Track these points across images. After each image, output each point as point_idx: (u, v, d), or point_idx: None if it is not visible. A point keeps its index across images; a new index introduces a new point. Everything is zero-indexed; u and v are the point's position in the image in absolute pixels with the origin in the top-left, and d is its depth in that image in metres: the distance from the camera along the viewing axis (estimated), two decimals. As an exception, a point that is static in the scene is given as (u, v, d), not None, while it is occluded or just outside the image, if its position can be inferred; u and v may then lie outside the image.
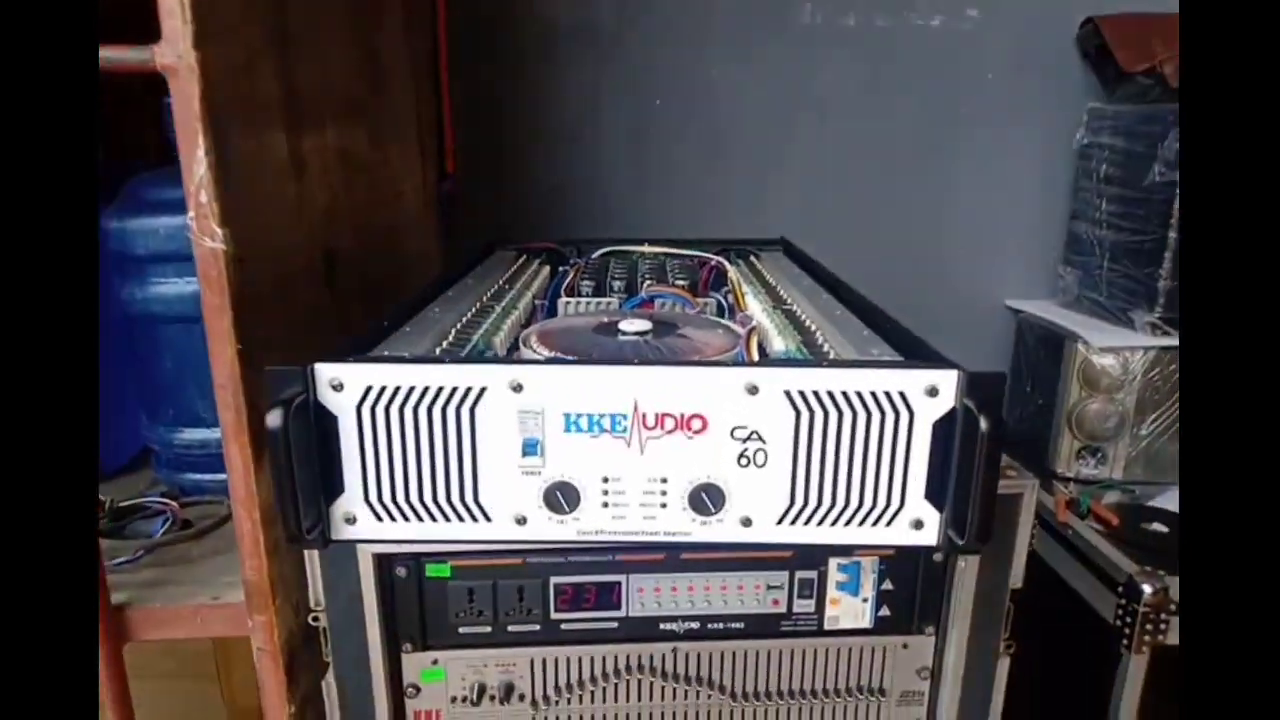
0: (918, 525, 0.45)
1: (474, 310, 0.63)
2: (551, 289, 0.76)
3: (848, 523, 0.45)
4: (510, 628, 0.56)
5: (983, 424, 0.41)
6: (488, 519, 0.46)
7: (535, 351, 0.51)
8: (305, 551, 0.53)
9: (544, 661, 0.57)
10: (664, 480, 0.45)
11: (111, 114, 1.02)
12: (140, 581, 0.62)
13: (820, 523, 0.45)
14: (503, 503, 0.45)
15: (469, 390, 0.43)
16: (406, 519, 0.45)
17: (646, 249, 0.87)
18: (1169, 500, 1.02)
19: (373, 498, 0.45)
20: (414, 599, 0.55)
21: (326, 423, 0.44)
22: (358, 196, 0.80)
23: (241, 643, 0.61)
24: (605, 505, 0.45)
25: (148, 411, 0.76)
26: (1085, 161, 1.26)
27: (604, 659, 0.57)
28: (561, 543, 0.46)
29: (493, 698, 0.57)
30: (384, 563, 0.53)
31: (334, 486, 0.45)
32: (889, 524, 0.45)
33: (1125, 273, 1.10)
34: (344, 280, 0.75)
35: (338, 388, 0.43)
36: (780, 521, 0.45)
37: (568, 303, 0.72)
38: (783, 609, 0.57)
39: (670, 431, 0.44)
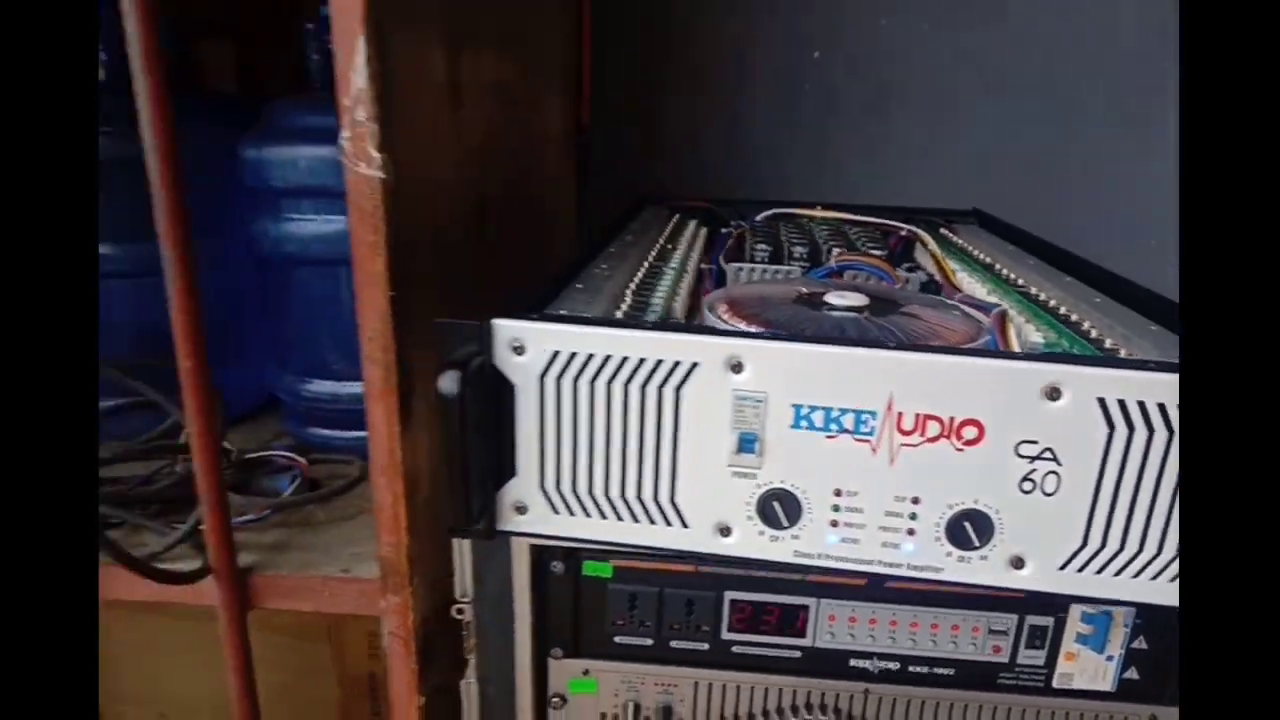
0: (1253, 588, 0.34)
1: (644, 271, 0.54)
2: (717, 252, 0.66)
3: (1155, 575, 0.35)
4: (674, 643, 0.48)
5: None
6: (684, 524, 0.37)
7: (724, 322, 0.42)
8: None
9: (709, 687, 0.49)
10: (916, 500, 0.35)
11: (244, 43, 0.97)
12: (266, 544, 0.57)
13: (1119, 573, 0.35)
14: (705, 507, 0.37)
15: (676, 365, 0.35)
16: (588, 514, 0.37)
17: (819, 213, 0.77)
18: None
19: (549, 485, 0.37)
20: (569, 600, 0.47)
21: (502, 392, 0.36)
22: (509, 138, 0.72)
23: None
24: (834, 524, 0.36)
25: (277, 358, 0.72)
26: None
27: (780, 692, 0.49)
28: (774, 564, 0.37)
29: (647, 719, 0.49)
30: (540, 555, 0.46)
31: (505, 469, 0.37)
32: (1212, 583, 0.34)
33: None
34: (493, 232, 0.67)
35: (518, 350, 0.35)
36: (1064, 566, 0.35)
37: (740, 269, 0.62)
38: (1004, 658, 0.47)
39: (933, 439, 0.34)
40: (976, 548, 0.35)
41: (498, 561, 0.46)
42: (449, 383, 0.32)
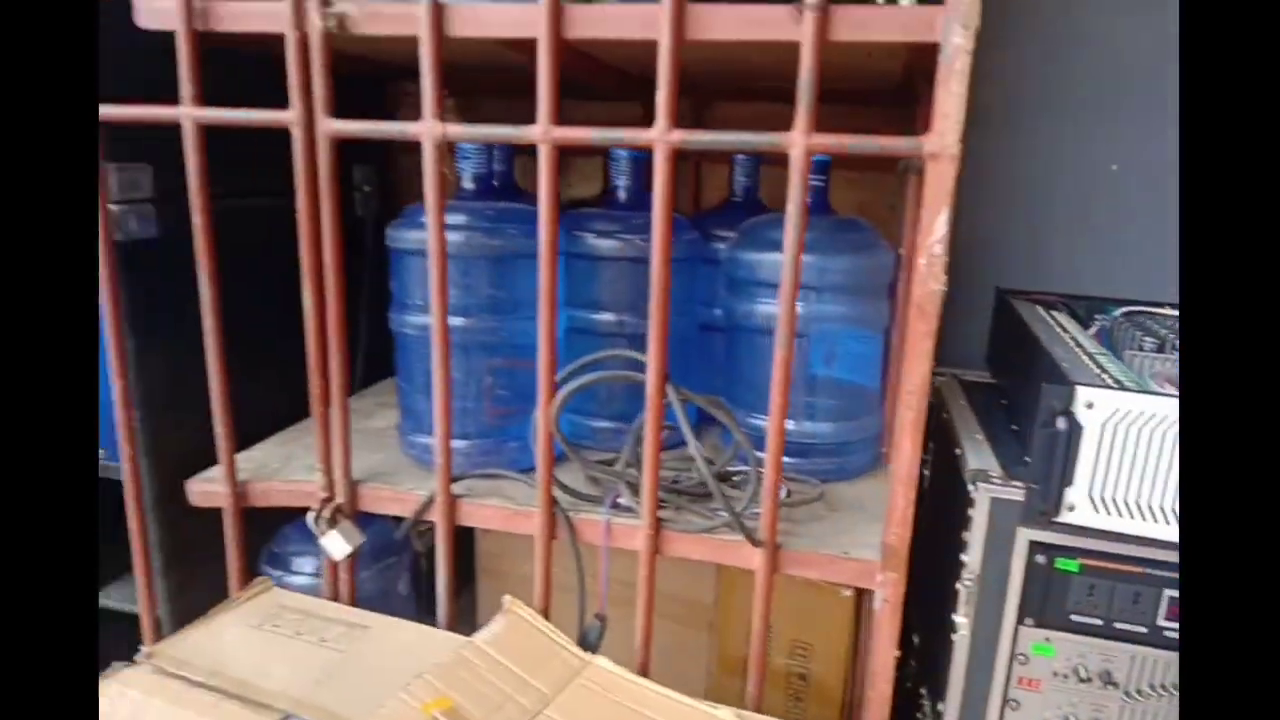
0: None
1: (1081, 351, 0.74)
2: (1104, 341, 0.85)
3: None
4: (1117, 624, 0.67)
5: None
6: (1191, 527, 0.57)
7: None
8: (974, 525, 0.67)
9: (1142, 660, 0.67)
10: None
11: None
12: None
13: None
14: (1209, 517, 0.56)
15: (1203, 423, 0.55)
16: (1119, 514, 0.58)
17: (1168, 311, 0.94)
18: None
19: (1095, 493, 0.58)
20: (1043, 585, 0.67)
21: (1074, 431, 0.57)
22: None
23: (738, 600, 0.76)
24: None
25: (731, 399, 0.97)
26: None
27: (1202, 670, 0.66)
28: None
29: (1088, 680, 0.68)
30: (1031, 550, 0.66)
31: (1066, 479, 0.58)
32: None
33: None
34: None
35: (1090, 406, 0.57)
36: None
37: (1134, 355, 0.81)
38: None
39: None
40: None
41: (1004, 549, 0.66)
42: (1063, 424, 0.54)
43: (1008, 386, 0.89)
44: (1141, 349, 0.82)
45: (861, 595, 1.06)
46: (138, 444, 0.89)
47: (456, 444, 0.87)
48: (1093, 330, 0.87)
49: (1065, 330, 0.85)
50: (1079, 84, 1.30)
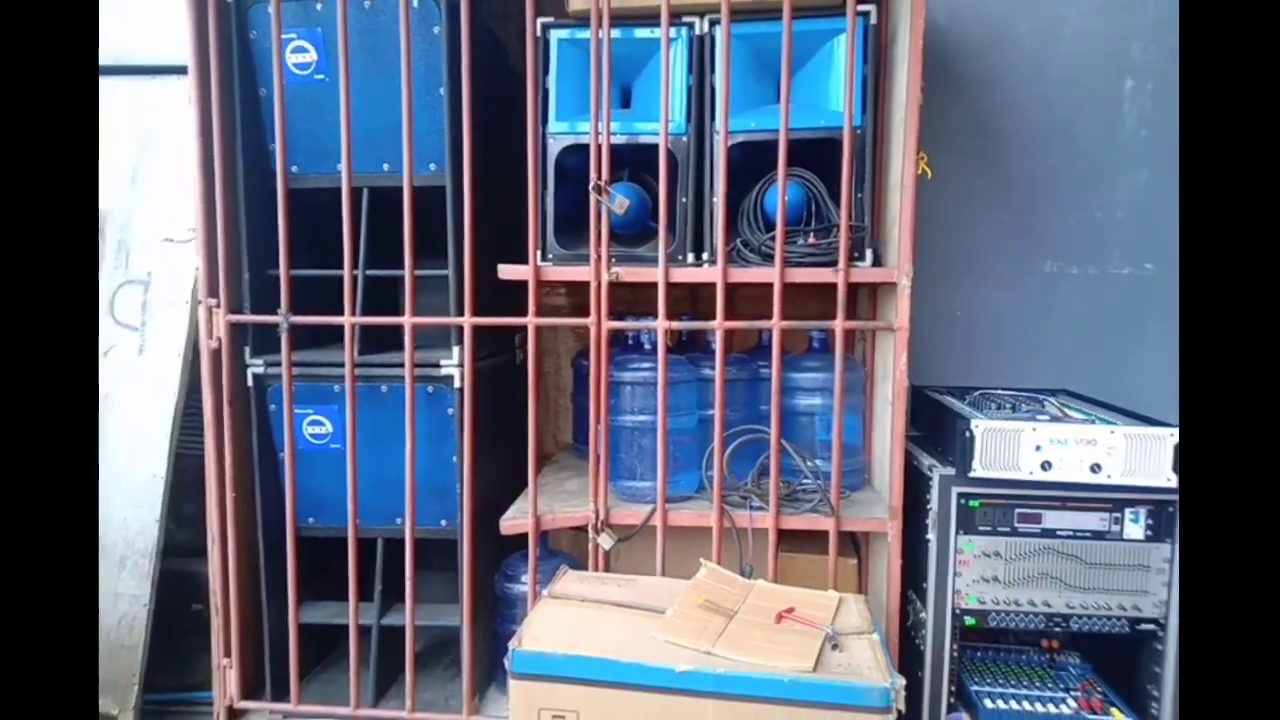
0: None
1: (968, 409, 1.60)
2: (973, 405, 1.72)
3: None
4: (999, 528, 1.49)
5: None
6: None
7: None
8: (933, 489, 1.49)
9: (1010, 544, 1.49)
10: (1080, 462, 1.39)
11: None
12: (834, 510, 1.60)
13: None
14: None
15: (1017, 430, 1.40)
16: (995, 471, 1.41)
17: (1000, 391, 1.83)
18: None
19: (981, 464, 1.41)
20: (964, 512, 1.49)
21: (973, 438, 1.41)
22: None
23: (790, 578, 1.56)
24: None
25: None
26: None
27: None
28: None
29: (989, 556, 1.49)
30: (958, 496, 1.48)
31: (970, 460, 1.41)
32: None
33: None
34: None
35: (978, 427, 1.41)
36: None
37: (988, 410, 1.68)
38: None
39: (1083, 446, 1.38)
40: (1097, 474, 1.39)
41: (947, 500, 1.48)
42: (969, 435, 1.38)
43: (927, 431, 1.74)
44: (991, 407, 1.69)
45: (860, 564, 1.84)
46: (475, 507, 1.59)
47: (652, 485, 1.62)
48: (967, 401, 1.74)
49: (956, 402, 1.71)
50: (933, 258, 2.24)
